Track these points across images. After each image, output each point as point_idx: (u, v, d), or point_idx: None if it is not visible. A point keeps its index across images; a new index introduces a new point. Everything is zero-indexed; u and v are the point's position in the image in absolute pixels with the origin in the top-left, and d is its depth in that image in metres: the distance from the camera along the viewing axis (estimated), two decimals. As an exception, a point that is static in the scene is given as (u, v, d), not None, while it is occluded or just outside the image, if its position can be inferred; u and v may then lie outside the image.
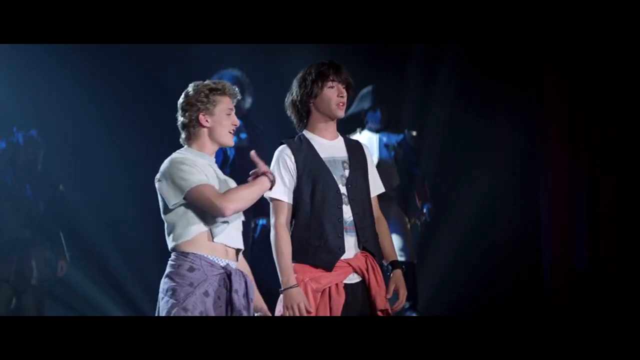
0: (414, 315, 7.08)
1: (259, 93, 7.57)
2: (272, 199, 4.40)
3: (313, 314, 4.33)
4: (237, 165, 7.25)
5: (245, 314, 4.10)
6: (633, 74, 7.02)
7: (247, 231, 7.24)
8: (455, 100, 8.12)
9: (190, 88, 4.21)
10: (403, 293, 4.44)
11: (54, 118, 7.68)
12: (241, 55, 7.54)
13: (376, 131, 7.42)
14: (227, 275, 4.08)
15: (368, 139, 7.29)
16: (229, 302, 4.07)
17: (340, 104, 4.42)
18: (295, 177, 4.41)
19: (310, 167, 4.40)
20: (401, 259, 7.03)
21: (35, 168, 7.31)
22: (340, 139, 4.51)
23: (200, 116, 4.18)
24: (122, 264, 7.70)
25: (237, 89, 4.27)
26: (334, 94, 4.42)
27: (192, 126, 4.20)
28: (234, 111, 4.24)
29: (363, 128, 7.46)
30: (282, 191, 4.38)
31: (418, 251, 7.63)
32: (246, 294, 4.12)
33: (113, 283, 7.78)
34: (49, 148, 7.41)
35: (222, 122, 4.20)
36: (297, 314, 4.29)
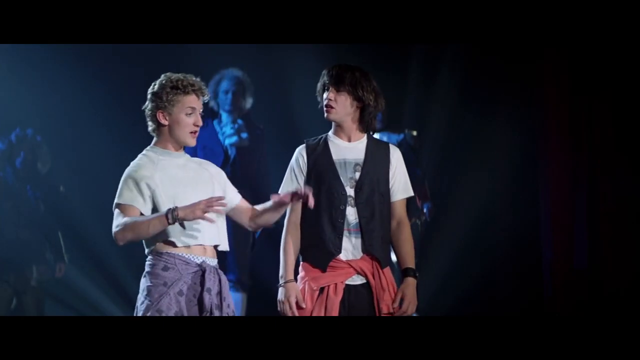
0: (414, 315, 7.07)
1: (260, 93, 7.57)
2: None
3: (306, 311, 4.37)
4: (237, 165, 7.25)
5: (217, 313, 4.05)
6: (633, 74, 7.02)
7: (248, 232, 7.24)
8: (456, 100, 8.11)
9: (159, 79, 4.14)
10: (407, 302, 4.43)
11: (54, 118, 7.67)
12: (242, 56, 7.53)
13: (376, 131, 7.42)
14: (202, 272, 4.05)
15: (368, 139, 7.28)
16: (200, 301, 4.03)
17: (326, 107, 4.47)
18: (305, 176, 4.47)
19: (319, 168, 4.45)
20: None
21: (35, 167, 7.30)
22: (363, 141, 4.52)
23: (158, 113, 4.11)
24: (122, 264, 7.69)
25: (205, 87, 4.16)
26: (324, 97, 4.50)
27: (153, 120, 4.15)
28: (197, 110, 4.11)
29: (363, 128, 7.45)
30: (295, 190, 4.41)
31: (418, 251, 7.62)
32: (220, 292, 4.07)
33: (113, 283, 7.77)
34: (49, 148, 7.40)
35: (181, 122, 4.09)
36: (288, 308, 4.35)
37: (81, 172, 7.68)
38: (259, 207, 4.28)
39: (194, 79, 4.14)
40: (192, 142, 4.14)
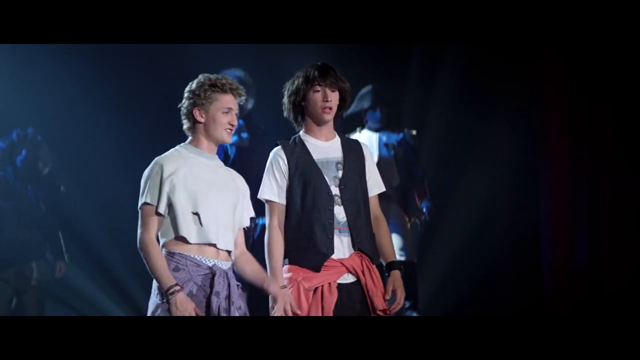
0: (414, 315, 7.08)
1: (261, 93, 7.57)
2: (266, 200, 4.42)
3: (303, 311, 4.32)
4: (237, 164, 7.25)
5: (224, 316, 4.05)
6: (633, 73, 7.02)
7: (247, 231, 7.24)
8: (455, 99, 8.11)
9: (197, 78, 4.16)
10: (400, 294, 4.42)
11: (55, 118, 7.68)
12: (243, 56, 7.53)
13: (376, 130, 7.43)
14: (213, 275, 4.05)
15: (368, 138, 7.30)
16: (208, 304, 4.03)
17: (326, 108, 4.40)
18: (287, 178, 4.41)
19: (302, 169, 4.39)
20: (401, 258, 7.03)
21: (36, 167, 7.30)
22: (337, 140, 4.50)
23: (195, 110, 4.12)
24: (122, 264, 7.69)
25: (243, 88, 4.18)
26: (319, 98, 4.41)
27: (188, 118, 4.16)
28: (233, 110, 4.13)
29: (363, 127, 7.47)
30: (275, 192, 4.39)
31: (418, 251, 7.63)
32: (228, 296, 4.06)
33: (113, 283, 7.77)
34: (49, 148, 7.40)
35: (217, 120, 4.11)
36: (283, 315, 4.27)
37: (81, 172, 7.68)
38: (249, 262, 4.26)
39: (232, 79, 4.17)
40: (228, 139, 4.16)
